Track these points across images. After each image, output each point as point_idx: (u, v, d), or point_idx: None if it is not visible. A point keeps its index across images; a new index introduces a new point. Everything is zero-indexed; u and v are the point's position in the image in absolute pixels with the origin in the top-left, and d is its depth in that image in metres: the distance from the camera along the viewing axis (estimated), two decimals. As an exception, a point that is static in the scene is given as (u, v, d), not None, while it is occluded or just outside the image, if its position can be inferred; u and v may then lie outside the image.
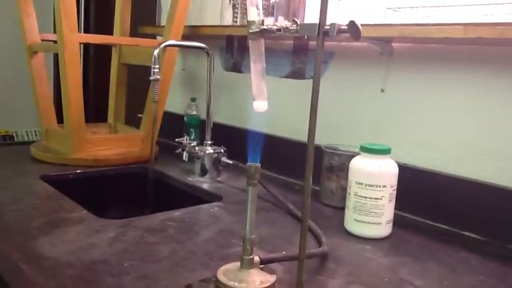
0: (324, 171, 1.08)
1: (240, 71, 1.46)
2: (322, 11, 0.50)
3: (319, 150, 1.08)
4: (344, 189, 1.01)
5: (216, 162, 1.22)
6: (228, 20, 1.46)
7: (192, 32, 1.50)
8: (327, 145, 1.09)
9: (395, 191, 0.88)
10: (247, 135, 0.61)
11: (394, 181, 0.88)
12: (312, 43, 1.24)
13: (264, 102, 0.59)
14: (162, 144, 1.49)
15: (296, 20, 0.50)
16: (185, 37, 1.46)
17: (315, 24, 0.51)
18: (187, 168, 1.28)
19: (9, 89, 2.56)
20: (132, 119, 1.59)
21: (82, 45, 2.40)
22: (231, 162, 1.20)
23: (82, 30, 2.52)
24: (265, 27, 0.55)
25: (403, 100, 1.07)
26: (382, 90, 1.11)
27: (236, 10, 1.43)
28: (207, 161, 1.21)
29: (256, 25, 0.55)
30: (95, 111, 2.24)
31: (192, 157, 1.24)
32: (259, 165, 0.60)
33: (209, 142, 1.25)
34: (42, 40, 1.42)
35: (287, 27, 0.54)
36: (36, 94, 1.40)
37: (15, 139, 2.40)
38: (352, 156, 0.99)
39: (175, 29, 1.36)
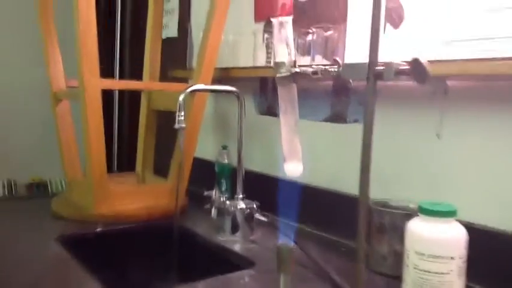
0: (374, 232, 0.92)
1: (274, 115, 1.34)
2: (373, 47, 0.37)
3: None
4: (398, 255, 0.85)
5: (249, 218, 1.09)
6: (261, 61, 1.36)
7: (224, 75, 1.41)
8: (376, 200, 0.94)
9: (465, 263, 0.72)
10: (279, 195, 0.49)
11: (463, 251, 0.71)
12: (355, 83, 1.11)
13: (299, 164, 0.46)
14: (192, 193, 1.37)
15: (337, 59, 0.38)
16: (217, 80, 1.37)
17: (363, 64, 0.38)
18: (218, 224, 1.15)
19: (45, 134, 2.54)
20: (163, 167, 1.49)
21: (117, 91, 2.37)
22: (265, 219, 1.06)
23: (117, 76, 2.50)
24: (298, 69, 0.43)
25: (464, 147, 0.91)
26: (438, 136, 0.95)
27: (270, 50, 1.32)
28: (238, 218, 1.08)
29: (286, 67, 0.43)
30: (128, 159, 2.16)
31: (222, 212, 1.11)
32: (294, 245, 0.46)
33: (241, 196, 1.12)
34: (69, 87, 1.36)
35: (326, 70, 0.42)
36: (60, 143, 1.33)
37: (49, 188, 2.35)
38: (406, 215, 0.84)
39: (205, 72, 1.26)
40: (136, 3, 2.08)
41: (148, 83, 1.42)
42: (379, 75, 0.36)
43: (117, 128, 2.43)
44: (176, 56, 1.78)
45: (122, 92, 2.41)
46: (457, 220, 0.73)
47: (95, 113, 1.13)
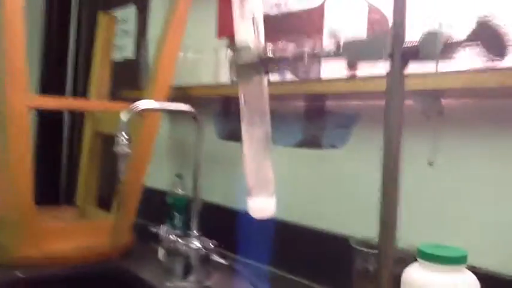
0: (356, 278, 0.76)
1: (238, 140, 1.18)
2: (398, 12, 0.22)
3: (344, 244, 0.78)
4: (387, 308, 0.69)
5: (205, 260, 0.91)
6: (223, 80, 1.21)
7: (181, 94, 1.24)
8: (358, 239, 0.78)
9: (478, 323, 0.57)
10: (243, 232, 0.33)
11: (477, 307, 0.56)
12: (332, 103, 0.97)
13: (270, 200, 0.30)
14: (140, 229, 1.17)
15: (336, 33, 0.23)
16: (174, 101, 1.20)
17: (381, 38, 0.22)
18: (168, 267, 0.96)
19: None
20: (109, 199, 1.29)
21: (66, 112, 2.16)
22: (223, 262, 0.89)
23: (71, 94, 2.30)
24: (271, 54, 0.27)
25: (462, 177, 0.77)
26: (430, 164, 0.81)
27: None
28: (192, 259, 0.90)
29: (252, 52, 0.28)
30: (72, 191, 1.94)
31: (173, 253, 0.93)
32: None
33: (195, 233, 0.94)
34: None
35: (316, 54, 0.26)
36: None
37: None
38: (398, 258, 0.68)
39: (159, 91, 1.10)
40: (92, 20, 1.92)
41: (89, 101, 1.24)
42: (411, 54, 0.21)
43: (67, 154, 2.21)
44: (132, 77, 1.62)
45: (72, 113, 2.20)
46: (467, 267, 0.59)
47: (21, 136, 0.94)
